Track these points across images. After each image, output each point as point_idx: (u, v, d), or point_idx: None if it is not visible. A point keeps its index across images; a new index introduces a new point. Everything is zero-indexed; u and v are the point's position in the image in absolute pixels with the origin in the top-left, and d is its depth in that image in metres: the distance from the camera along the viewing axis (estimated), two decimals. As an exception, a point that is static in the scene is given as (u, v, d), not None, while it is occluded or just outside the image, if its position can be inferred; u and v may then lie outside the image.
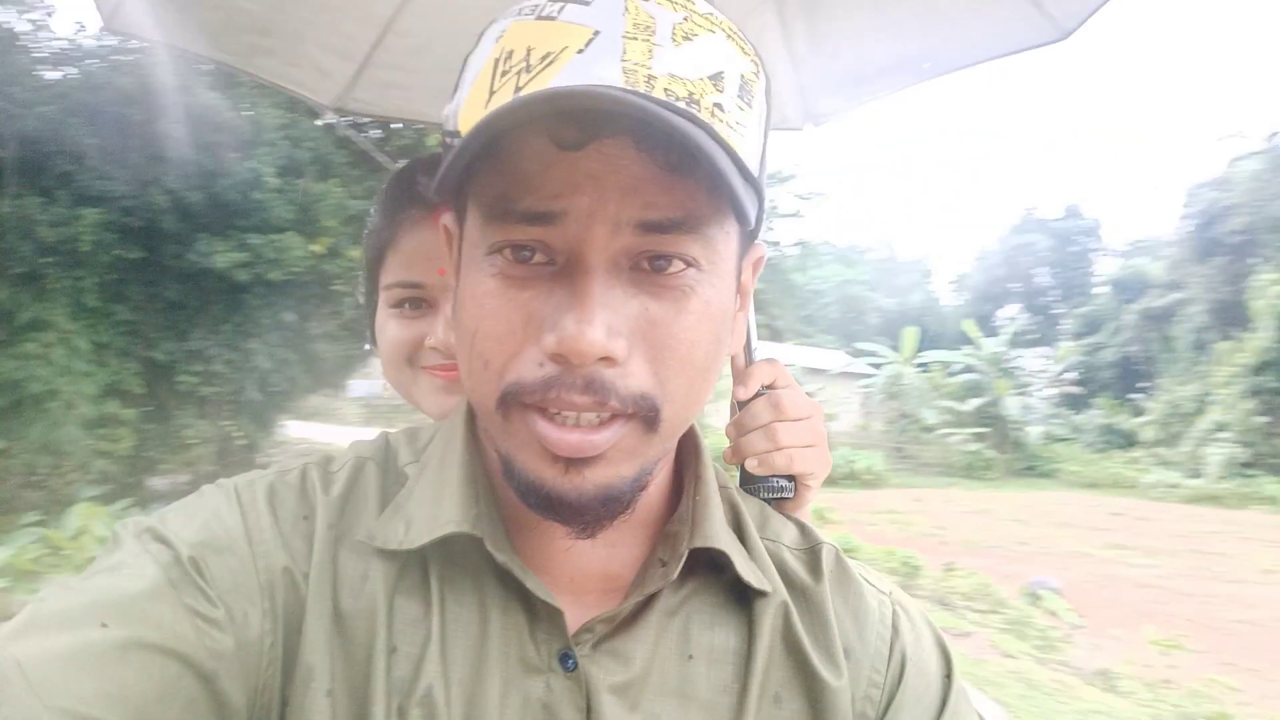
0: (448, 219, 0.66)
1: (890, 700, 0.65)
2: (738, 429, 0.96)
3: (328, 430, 21.36)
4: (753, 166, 0.55)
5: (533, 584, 0.60)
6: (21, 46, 8.89)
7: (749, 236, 0.61)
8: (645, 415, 0.55)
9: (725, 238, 0.56)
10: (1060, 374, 25.88)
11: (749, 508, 0.73)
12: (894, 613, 0.70)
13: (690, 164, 0.51)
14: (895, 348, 21.13)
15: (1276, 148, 25.15)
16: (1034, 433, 23.58)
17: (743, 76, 0.56)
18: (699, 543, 0.64)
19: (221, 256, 9.50)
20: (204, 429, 10.56)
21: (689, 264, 0.54)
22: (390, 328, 1.09)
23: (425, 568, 0.61)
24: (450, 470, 0.64)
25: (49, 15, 9.25)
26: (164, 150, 8.81)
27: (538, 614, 0.61)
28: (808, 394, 1.05)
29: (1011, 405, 22.68)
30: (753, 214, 0.55)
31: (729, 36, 0.56)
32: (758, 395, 0.97)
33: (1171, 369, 24.64)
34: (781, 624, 0.65)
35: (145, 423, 9.94)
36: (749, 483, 0.92)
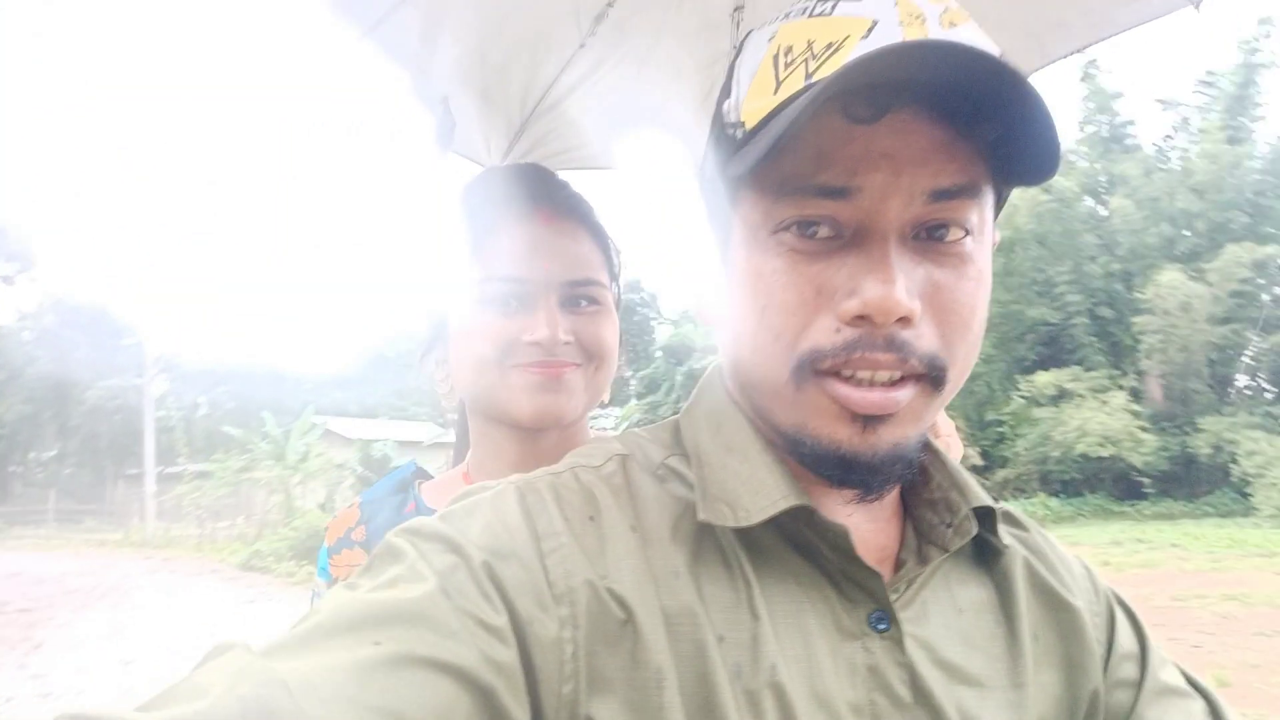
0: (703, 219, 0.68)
1: (1111, 631, 0.70)
2: None
3: None
4: None
5: (856, 549, 0.60)
6: None
7: (996, 212, 0.61)
8: (934, 376, 0.57)
9: (990, 208, 0.59)
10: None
11: None
12: (1077, 556, 0.75)
13: (980, 123, 0.54)
14: (485, 416, 22.06)
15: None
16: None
17: None
18: (974, 503, 0.65)
19: None
20: None
21: (967, 231, 0.57)
22: (486, 323, 1.05)
23: (722, 552, 0.61)
24: (749, 451, 0.64)
25: None
26: None
27: (838, 581, 0.61)
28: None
29: (590, 462, 24.84)
30: (1054, 160, 0.54)
31: (979, 26, 0.58)
32: None
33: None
34: (1028, 573, 0.69)
35: None
36: None
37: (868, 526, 0.66)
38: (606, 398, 1.13)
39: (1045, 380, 20.67)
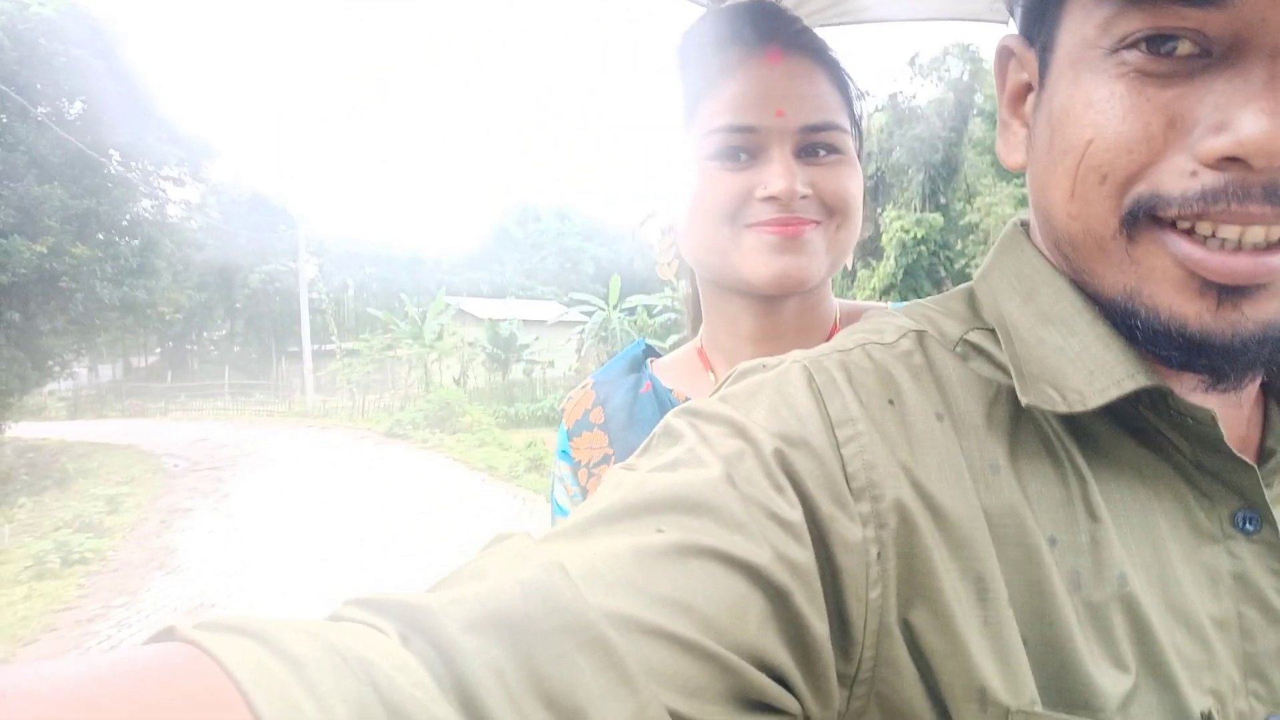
0: (1011, 39, 0.56)
1: None
2: None
3: (42, 428, 20.43)
4: None
5: (1222, 437, 0.50)
6: None
7: None
8: None
9: None
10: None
11: None
12: None
13: None
14: (605, 296, 23.16)
15: (897, 105, 30.25)
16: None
17: None
18: None
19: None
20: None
21: None
22: (714, 179, 0.93)
23: (1046, 443, 0.51)
24: (1075, 322, 0.52)
25: None
26: None
27: (1189, 475, 0.52)
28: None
29: (704, 339, 25.78)
30: None
31: None
32: None
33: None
34: None
35: None
36: None
37: (1223, 411, 0.53)
38: (849, 261, 1.01)
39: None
